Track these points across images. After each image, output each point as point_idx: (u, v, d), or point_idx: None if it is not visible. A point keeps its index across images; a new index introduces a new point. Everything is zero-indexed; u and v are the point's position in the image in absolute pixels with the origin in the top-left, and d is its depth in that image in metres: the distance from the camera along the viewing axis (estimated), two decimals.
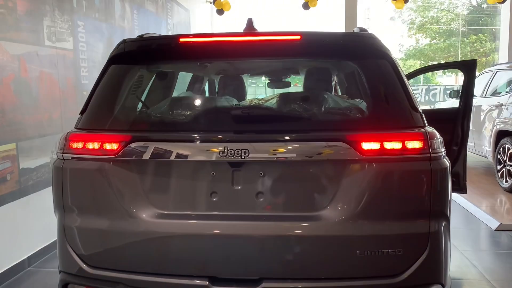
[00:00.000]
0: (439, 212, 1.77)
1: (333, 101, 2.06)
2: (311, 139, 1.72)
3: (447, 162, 1.79)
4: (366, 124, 1.81)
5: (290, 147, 1.70)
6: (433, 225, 1.75)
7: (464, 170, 4.26)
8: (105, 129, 1.82)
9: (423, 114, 1.84)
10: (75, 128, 1.88)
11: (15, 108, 3.63)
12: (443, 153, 1.79)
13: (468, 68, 4.12)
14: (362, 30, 2.01)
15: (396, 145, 1.72)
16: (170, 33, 8.22)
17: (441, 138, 1.81)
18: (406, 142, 1.73)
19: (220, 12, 10.13)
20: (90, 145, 1.80)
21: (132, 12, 6.40)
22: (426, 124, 1.85)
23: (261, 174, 1.75)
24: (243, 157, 1.67)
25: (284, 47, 1.85)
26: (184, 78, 2.10)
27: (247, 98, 2.17)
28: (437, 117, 4.31)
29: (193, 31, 9.78)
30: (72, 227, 1.84)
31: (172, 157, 1.70)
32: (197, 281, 1.69)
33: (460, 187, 4.25)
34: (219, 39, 1.85)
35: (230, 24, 11.65)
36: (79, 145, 1.81)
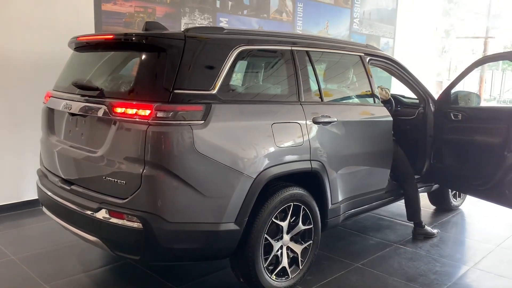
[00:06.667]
0: (152, 163, 2.35)
1: (116, 80, 2.84)
2: (95, 103, 2.66)
3: (167, 129, 2.37)
4: (124, 95, 2.55)
5: (87, 107, 2.70)
6: (146, 170, 2.35)
7: None
8: (53, 89, 3.25)
9: (178, 94, 2.45)
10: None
11: None
12: (168, 122, 2.38)
13: None
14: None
15: (132, 111, 2.43)
16: (356, 22, 8.71)
17: (174, 112, 2.41)
18: (138, 110, 2.42)
19: None
20: (46, 97, 3.29)
21: (296, 6, 7.39)
22: (180, 101, 2.47)
23: (83, 122, 2.82)
24: (72, 111, 2.83)
25: (106, 43, 2.84)
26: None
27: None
28: (488, 116, 3.85)
29: (399, 17, 9.79)
30: (40, 140, 3.40)
31: (56, 108, 3.03)
32: (56, 178, 2.98)
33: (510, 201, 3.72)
34: (86, 37, 3.02)
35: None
36: (45, 97, 3.31)
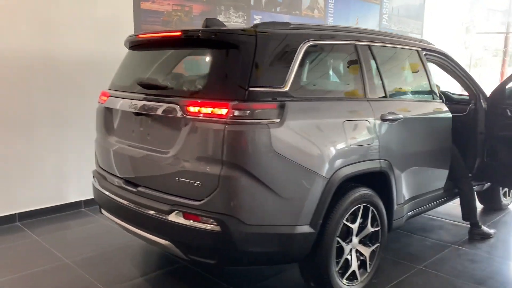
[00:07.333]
0: (230, 163, 2.25)
1: (186, 78, 2.74)
2: (165, 102, 2.54)
3: (245, 128, 2.27)
4: (196, 94, 2.47)
5: (155, 106, 2.59)
6: (224, 171, 2.26)
7: None
8: (109, 89, 3.16)
9: (253, 92, 2.35)
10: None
11: None
12: (246, 121, 2.27)
13: None
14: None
15: (207, 110, 2.34)
16: (385, 18, 8.56)
17: (252, 111, 2.31)
18: (213, 109, 2.33)
19: None
20: (101, 97, 3.20)
21: (327, 2, 7.27)
22: (256, 99, 2.37)
23: (149, 121, 2.72)
24: (137, 110, 2.73)
25: (171, 40, 2.74)
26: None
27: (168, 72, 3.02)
28: None
29: (427, 12, 9.63)
30: (95, 141, 3.31)
31: (117, 107, 2.94)
32: (119, 180, 2.88)
33: None
34: (147, 35, 2.93)
35: None
36: (100, 97, 3.22)
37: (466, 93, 4.43)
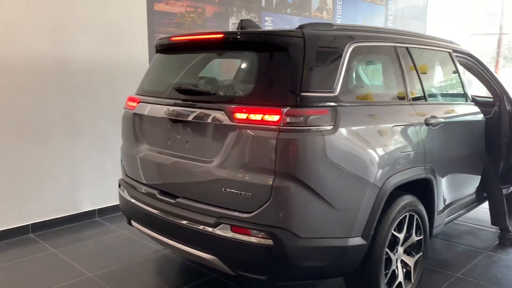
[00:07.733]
0: (284, 173, 2.12)
1: (228, 83, 2.61)
2: (208, 108, 2.39)
3: (299, 135, 2.15)
4: (242, 100, 2.33)
5: (196, 113, 2.43)
6: (277, 181, 2.12)
7: None
8: (138, 94, 3.00)
9: (305, 97, 2.23)
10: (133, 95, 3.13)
11: None
12: (300, 127, 2.14)
13: None
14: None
15: (257, 117, 2.20)
16: (390, 19, 8.50)
17: (305, 117, 2.18)
18: (264, 115, 2.20)
19: None
20: (128, 103, 3.03)
21: (335, 3, 7.18)
22: (308, 104, 2.24)
23: (188, 129, 2.57)
24: (175, 117, 2.57)
25: (209, 43, 2.59)
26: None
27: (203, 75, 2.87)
28: None
29: (429, 15, 9.62)
30: (121, 149, 3.14)
31: (150, 114, 2.78)
32: (153, 190, 2.72)
33: None
34: (187, 37, 2.77)
35: None
36: (128, 103, 3.06)
37: (478, 95, 4.38)
